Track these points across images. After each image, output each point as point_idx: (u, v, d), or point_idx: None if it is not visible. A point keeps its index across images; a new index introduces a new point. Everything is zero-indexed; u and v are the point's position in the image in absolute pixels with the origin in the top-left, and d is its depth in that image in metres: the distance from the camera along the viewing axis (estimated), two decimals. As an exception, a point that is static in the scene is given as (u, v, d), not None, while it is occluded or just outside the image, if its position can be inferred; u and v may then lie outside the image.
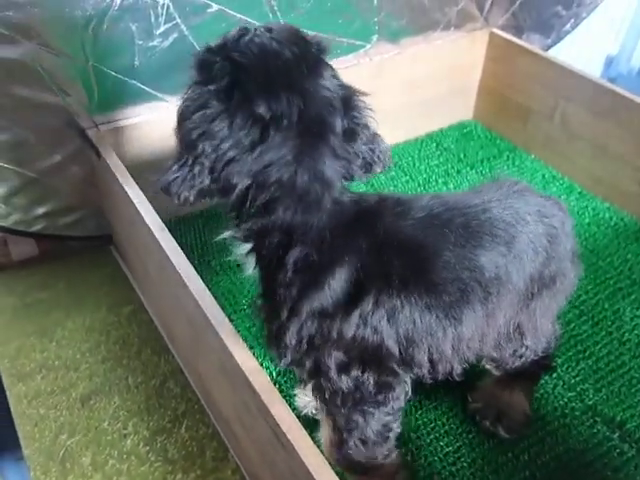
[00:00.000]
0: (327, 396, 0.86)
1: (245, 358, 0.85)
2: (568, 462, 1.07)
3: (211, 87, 0.74)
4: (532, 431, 1.11)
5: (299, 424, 0.79)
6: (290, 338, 0.81)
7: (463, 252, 0.83)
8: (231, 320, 0.92)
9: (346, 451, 0.90)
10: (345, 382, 0.83)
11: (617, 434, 1.11)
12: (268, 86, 0.72)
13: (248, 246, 0.82)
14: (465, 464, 1.06)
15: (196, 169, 0.74)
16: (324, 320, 0.79)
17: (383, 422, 0.89)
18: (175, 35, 1.25)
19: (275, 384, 1.15)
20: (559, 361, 1.22)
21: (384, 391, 0.86)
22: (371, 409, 0.87)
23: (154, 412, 1.15)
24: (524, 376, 1.08)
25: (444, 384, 1.16)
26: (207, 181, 0.75)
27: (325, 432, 0.93)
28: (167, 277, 1.06)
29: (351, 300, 0.79)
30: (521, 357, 1.00)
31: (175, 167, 0.76)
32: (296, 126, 0.72)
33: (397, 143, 1.81)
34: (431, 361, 0.86)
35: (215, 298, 0.95)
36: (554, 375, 1.20)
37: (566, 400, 1.16)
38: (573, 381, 1.19)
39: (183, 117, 0.76)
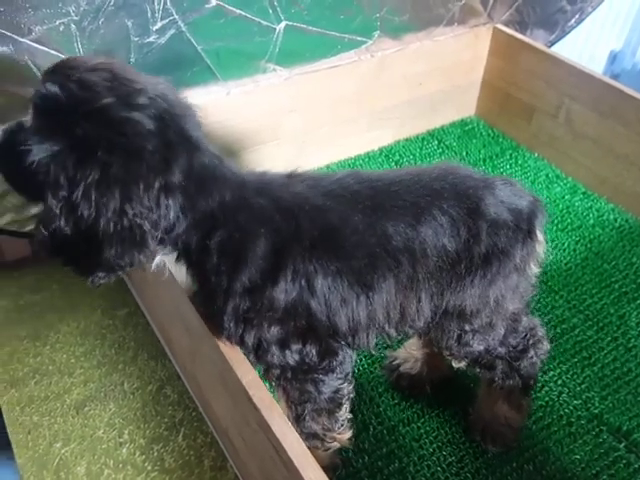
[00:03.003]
0: (278, 373, 0.87)
1: (245, 371, 0.83)
2: (574, 473, 1.05)
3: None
4: (537, 440, 1.09)
5: (300, 440, 0.76)
6: (228, 320, 0.82)
7: (369, 220, 0.84)
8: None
9: (304, 424, 0.91)
10: (290, 356, 0.85)
11: (623, 444, 1.09)
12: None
13: (174, 254, 0.85)
14: (469, 474, 1.04)
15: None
16: (255, 293, 0.81)
17: (334, 388, 0.90)
18: (172, 31, 1.21)
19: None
20: (564, 368, 1.20)
21: (328, 357, 0.87)
22: (321, 376, 0.88)
23: (151, 419, 1.13)
24: (505, 388, 1.04)
25: (446, 393, 1.15)
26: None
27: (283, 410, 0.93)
28: (164, 281, 1.03)
29: (275, 268, 0.81)
30: (467, 345, 0.95)
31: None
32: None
33: (398, 140, 1.78)
34: (350, 329, 0.87)
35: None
36: (559, 382, 1.18)
37: (571, 408, 1.14)
38: (578, 389, 1.17)
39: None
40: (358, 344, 0.89)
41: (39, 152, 0.73)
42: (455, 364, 1.01)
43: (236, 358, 0.84)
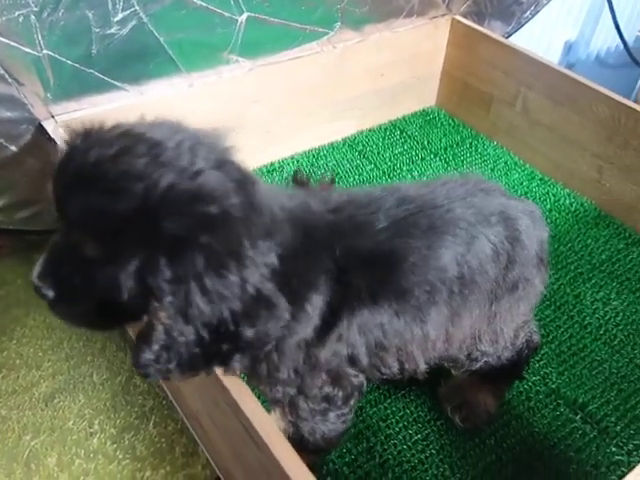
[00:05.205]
0: (300, 414, 0.88)
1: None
2: (533, 445, 1.09)
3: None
4: (498, 415, 1.13)
5: (271, 420, 0.78)
6: (282, 374, 0.81)
7: (428, 253, 0.82)
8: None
9: (306, 445, 0.93)
10: (318, 404, 0.87)
11: (579, 416, 1.14)
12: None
13: None
14: (434, 451, 1.08)
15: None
16: (309, 348, 0.80)
17: (342, 420, 0.92)
18: (134, 23, 1.21)
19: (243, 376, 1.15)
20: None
21: (349, 400, 0.89)
22: (334, 416, 0.90)
23: (121, 409, 1.13)
24: (492, 380, 1.09)
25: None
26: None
27: (283, 427, 0.94)
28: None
29: (329, 323, 0.79)
30: (475, 360, 0.99)
31: None
32: None
33: (361, 130, 1.81)
34: (399, 362, 0.88)
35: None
36: (519, 360, 1.22)
37: (530, 384, 1.19)
38: (537, 365, 1.22)
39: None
40: (403, 372, 0.90)
41: (125, 277, 0.65)
42: (454, 372, 1.06)
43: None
